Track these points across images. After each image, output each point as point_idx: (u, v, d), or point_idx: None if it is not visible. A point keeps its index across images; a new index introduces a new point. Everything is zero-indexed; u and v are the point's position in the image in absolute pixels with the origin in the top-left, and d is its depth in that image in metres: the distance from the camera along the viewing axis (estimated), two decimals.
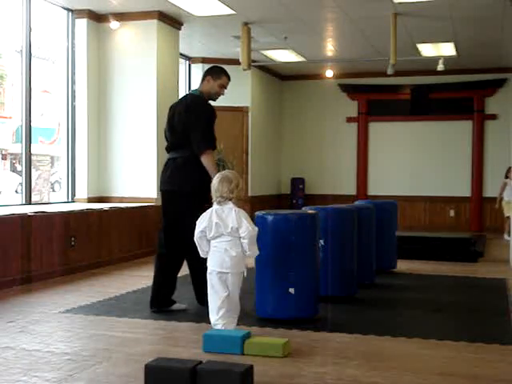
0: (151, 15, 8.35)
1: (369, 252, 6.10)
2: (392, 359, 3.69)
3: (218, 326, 4.02)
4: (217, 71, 5.17)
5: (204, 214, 4.10)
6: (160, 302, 4.92)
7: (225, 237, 4.01)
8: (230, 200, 4.05)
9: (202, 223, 4.06)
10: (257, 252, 4.12)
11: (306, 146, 13.06)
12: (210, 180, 4.36)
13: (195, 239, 4.09)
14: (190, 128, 4.81)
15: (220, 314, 4.02)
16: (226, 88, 5.19)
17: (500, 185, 10.85)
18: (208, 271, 4.08)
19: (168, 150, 5.06)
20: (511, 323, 4.63)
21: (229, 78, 5.19)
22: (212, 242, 4.06)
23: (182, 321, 4.61)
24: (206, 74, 5.13)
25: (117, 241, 7.61)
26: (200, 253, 4.13)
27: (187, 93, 5.57)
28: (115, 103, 8.54)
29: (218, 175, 4.17)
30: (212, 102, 5.12)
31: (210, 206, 4.15)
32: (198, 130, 4.78)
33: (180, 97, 5.62)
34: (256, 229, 4.07)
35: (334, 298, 5.21)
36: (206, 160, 4.75)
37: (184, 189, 4.81)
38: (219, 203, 4.06)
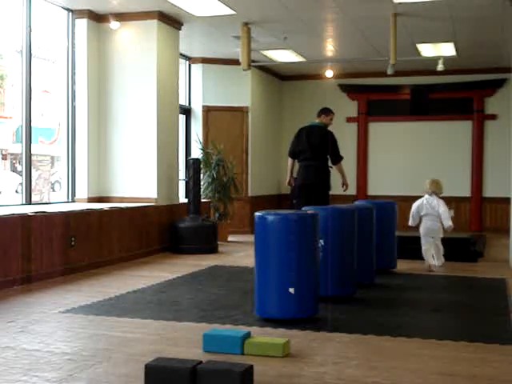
0: (151, 15, 8.35)
1: (369, 252, 6.10)
2: (392, 359, 3.69)
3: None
4: (326, 111, 7.88)
5: (419, 200, 7.53)
6: None
7: (430, 216, 7.37)
8: (435, 194, 7.40)
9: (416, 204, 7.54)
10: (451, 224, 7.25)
11: None
12: (329, 177, 7.74)
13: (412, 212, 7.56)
14: (331, 147, 7.72)
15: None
16: (332, 120, 7.91)
17: None
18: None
19: (305, 158, 7.80)
20: (511, 323, 4.63)
21: (333, 113, 7.95)
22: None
23: (182, 321, 4.62)
24: (321, 112, 7.88)
25: (117, 241, 7.62)
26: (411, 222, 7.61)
27: (314, 124, 7.94)
28: (115, 103, 8.54)
29: (429, 179, 7.61)
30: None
31: (326, 192, 7.73)
32: (337, 150, 7.80)
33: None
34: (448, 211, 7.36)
35: (334, 298, 5.21)
36: (340, 166, 7.92)
37: (319, 182, 7.70)
38: (430, 195, 7.42)
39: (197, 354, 3.70)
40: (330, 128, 7.90)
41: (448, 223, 7.23)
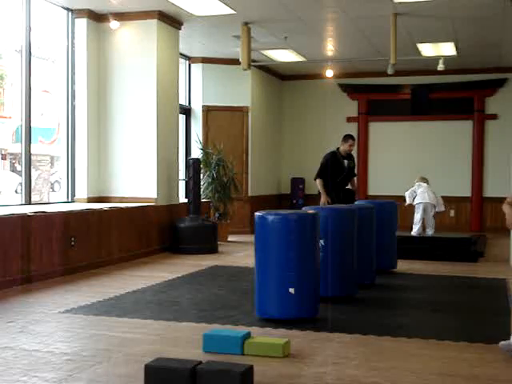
0: (151, 15, 8.34)
1: (369, 252, 6.10)
2: (392, 359, 3.69)
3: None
4: (346, 137, 8.02)
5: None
6: None
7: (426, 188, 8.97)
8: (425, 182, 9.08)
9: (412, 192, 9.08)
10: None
11: (306, 145, 13.04)
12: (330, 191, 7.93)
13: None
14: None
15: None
16: (353, 146, 8.02)
17: None
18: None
19: None
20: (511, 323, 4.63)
21: (353, 139, 8.05)
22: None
23: (181, 321, 4.61)
24: (342, 139, 8.03)
25: (117, 241, 7.61)
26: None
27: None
28: (115, 103, 8.54)
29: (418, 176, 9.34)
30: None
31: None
32: (319, 169, 8.06)
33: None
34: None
35: (334, 298, 5.21)
36: (316, 183, 8.09)
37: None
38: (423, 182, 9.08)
39: (197, 354, 3.70)
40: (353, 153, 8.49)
41: (441, 208, 9.07)
